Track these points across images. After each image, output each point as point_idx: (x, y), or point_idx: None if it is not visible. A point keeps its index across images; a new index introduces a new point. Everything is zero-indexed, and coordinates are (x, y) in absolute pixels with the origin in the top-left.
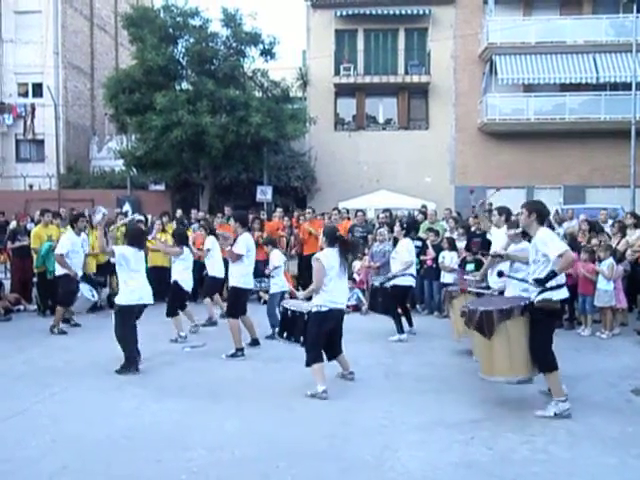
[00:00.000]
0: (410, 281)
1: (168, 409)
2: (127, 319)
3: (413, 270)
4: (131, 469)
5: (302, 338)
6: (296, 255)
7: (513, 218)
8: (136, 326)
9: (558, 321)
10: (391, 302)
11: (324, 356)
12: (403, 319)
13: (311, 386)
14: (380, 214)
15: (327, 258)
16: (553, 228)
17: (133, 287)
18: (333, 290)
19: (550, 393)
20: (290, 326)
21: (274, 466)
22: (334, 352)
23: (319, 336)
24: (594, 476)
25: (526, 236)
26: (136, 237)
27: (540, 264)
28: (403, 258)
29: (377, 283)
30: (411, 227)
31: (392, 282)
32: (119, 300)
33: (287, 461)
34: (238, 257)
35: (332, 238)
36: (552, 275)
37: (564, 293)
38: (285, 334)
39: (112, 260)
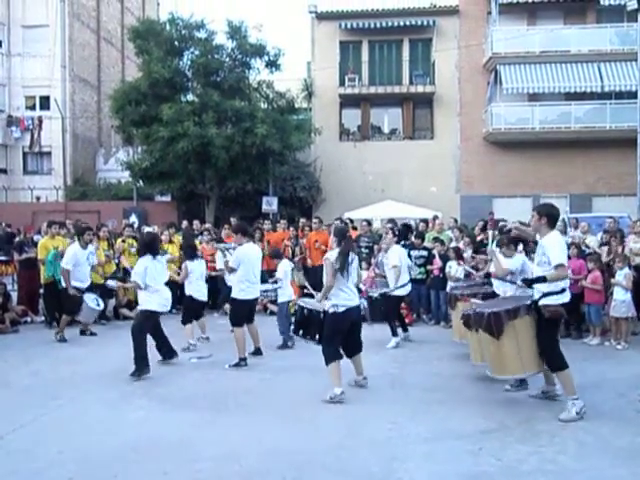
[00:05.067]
0: (407, 289)
1: (175, 420)
2: (148, 323)
3: (407, 277)
4: None
5: (317, 336)
6: (300, 266)
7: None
8: (161, 329)
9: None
10: (389, 308)
11: (342, 353)
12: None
13: (321, 395)
14: (386, 224)
15: (335, 258)
16: (565, 234)
17: (158, 294)
18: (346, 289)
19: (545, 396)
20: (306, 324)
21: (281, 478)
22: (354, 349)
23: (336, 336)
24: None
25: (516, 246)
26: (150, 244)
27: (545, 265)
28: (391, 262)
29: (376, 295)
30: (403, 234)
31: (394, 293)
32: (146, 305)
33: (294, 473)
34: (231, 270)
35: (341, 238)
36: (541, 280)
37: (566, 297)
38: (301, 332)
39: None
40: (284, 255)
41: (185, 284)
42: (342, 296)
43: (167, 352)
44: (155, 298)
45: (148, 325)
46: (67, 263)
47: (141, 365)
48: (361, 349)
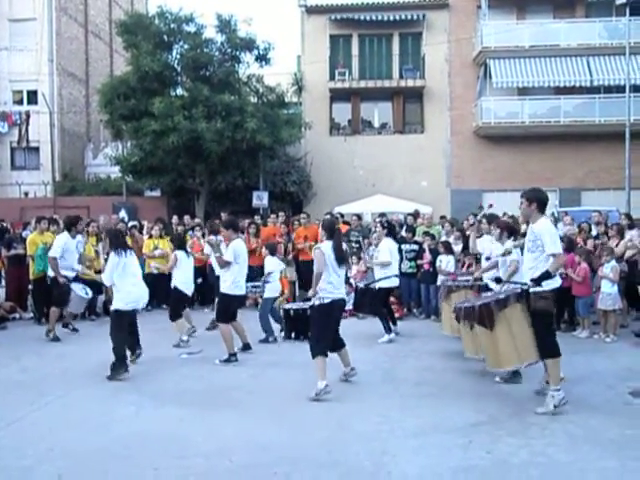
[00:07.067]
0: (394, 282)
1: (165, 416)
2: (121, 322)
3: (395, 270)
4: (128, 477)
5: (309, 333)
6: (293, 261)
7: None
8: (135, 325)
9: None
10: (377, 303)
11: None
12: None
13: (310, 389)
14: (376, 218)
15: (327, 249)
16: (555, 224)
17: (128, 291)
18: (333, 281)
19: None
20: (295, 325)
21: (272, 473)
22: (336, 345)
23: (326, 328)
24: (594, 479)
25: (511, 234)
26: (115, 240)
27: (537, 253)
28: (382, 258)
29: (362, 284)
30: (393, 227)
31: (378, 284)
32: (114, 304)
33: (285, 468)
34: (227, 264)
35: (331, 231)
36: (546, 275)
37: (557, 282)
38: (292, 334)
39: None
40: (277, 252)
41: (172, 275)
42: (328, 288)
43: (132, 346)
44: (122, 296)
45: (120, 324)
46: (55, 251)
47: (117, 366)
48: (343, 344)
